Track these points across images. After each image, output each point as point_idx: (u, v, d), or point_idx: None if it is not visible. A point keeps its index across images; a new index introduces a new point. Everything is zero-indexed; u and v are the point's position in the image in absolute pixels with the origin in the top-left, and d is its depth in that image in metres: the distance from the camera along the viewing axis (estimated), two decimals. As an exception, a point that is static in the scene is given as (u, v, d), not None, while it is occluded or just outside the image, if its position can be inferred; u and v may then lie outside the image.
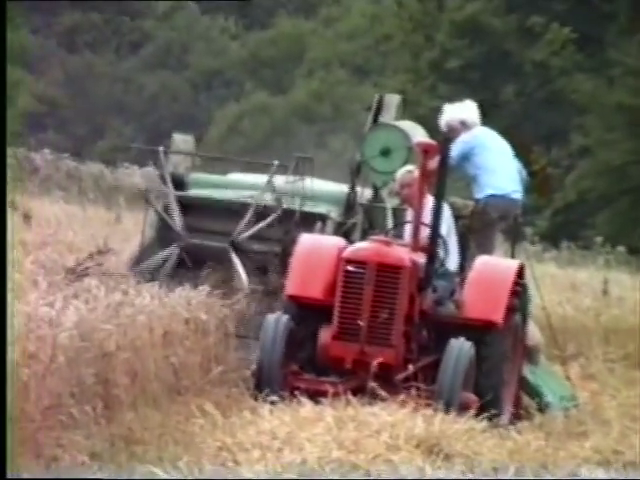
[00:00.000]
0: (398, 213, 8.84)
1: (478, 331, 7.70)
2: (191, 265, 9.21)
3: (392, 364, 7.64)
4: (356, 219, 9.31)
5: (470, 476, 6.12)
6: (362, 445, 6.21)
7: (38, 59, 36.50)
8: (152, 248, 9.44)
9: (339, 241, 8.19)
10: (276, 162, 9.34)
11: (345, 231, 9.20)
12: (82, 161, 22.88)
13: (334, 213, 9.36)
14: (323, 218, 9.27)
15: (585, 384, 10.31)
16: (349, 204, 9.46)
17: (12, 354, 5.48)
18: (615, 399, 9.58)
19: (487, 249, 8.58)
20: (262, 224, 9.21)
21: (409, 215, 8.46)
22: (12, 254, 10.04)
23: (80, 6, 37.20)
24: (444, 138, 8.17)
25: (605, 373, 11.26)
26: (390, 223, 8.78)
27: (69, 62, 36.85)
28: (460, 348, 7.50)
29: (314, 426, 6.47)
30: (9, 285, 7.11)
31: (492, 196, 8.66)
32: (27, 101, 34.90)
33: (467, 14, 29.11)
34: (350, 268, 7.74)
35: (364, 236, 8.83)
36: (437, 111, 9.14)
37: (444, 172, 8.00)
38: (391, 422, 6.59)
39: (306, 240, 8.19)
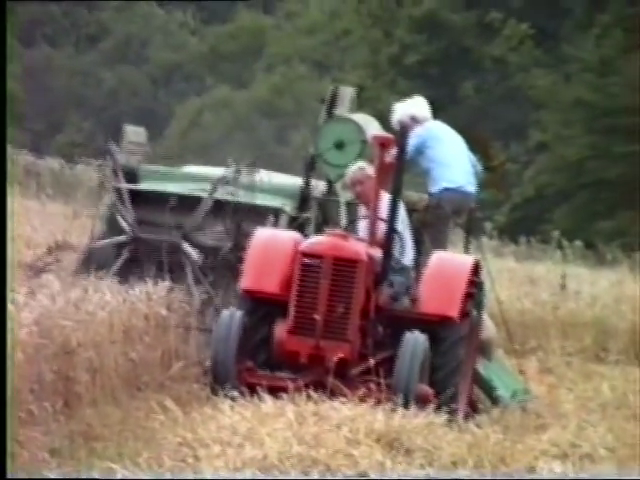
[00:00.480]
0: (352, 207, 8.75)
1: (434, 326, 7.68)
2: (142, 259, 9.06)
3: (348, 359, 7.58)
4: (310, 213, 9.22)
5: (429, 470, 6.17)
6: (322, 440, 6.23)
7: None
8: (101, 245, 9.22)
9: (295, 235, 8.08)
10: (230, 161, 9.21)
11: (299, 225, 9.10)
12: (40, 156, 22.71)
13: (288, 207, 9.25)
14: (277, 212, 9.16)
15: (543, 377, 10.39)
16: (303, 198, 9.36)
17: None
18: (572, 392, 9.67)
19: (441, 244, 8.57)
20: (201, 213, 8.95)
21: (362, 211, 8.39)
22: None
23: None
24: (401, 131, 8.11)
25: (562, 366, 11.36)
26: (344, 217, 8.70)
27: (27, 56, 36.54)
28: (415, 341, 7.49)
29: (275, 421, 6.47)
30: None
31: (446, 190, 8.65)
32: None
33: (425, 9, 29.20)
34: (307, 261, 7.65)
35: (318, 230, 8.76)
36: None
37: (401, 166, 7.95)
38: (351, 416, 6.61)
39: (261, 234, 8.07)
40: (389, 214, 7.92)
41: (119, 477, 5.53)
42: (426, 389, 7.45)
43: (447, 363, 7.65)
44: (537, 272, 16.26)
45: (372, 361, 7.56)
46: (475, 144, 9.22)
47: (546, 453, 6.84)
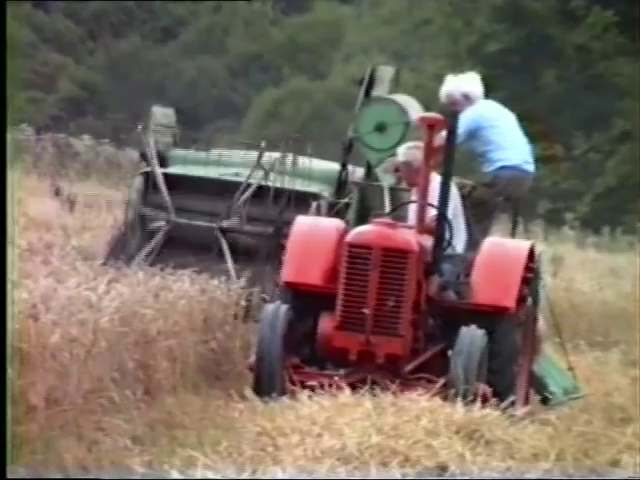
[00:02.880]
0: (395, 192, 8.31)
1: (488, 317, 7.23)
2: (176, 246, 8.75)
3: (400, 355, 7.20)
4: (349, 199, 8.82)
5: (510, 462, 6.09)
6: (401, 430, 6.19)
7: (79, 44, 36.65)
8: (133, 230, 8.97)
9: (338, 223, 7.67)
10: (263, 143, 8.88)
11: (337, 211, 8.76)
12: (121, 147, 23.00)
13: (326, 192, 8.91)
14: (315, 198, 8.78)
15: (626, 370, 10.22)
16: (341, 183, 8.99)
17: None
18: (656, 385, 9.49)
19: (485, 227, 8.07)
20: (243, 199, 8.64)
21: (413, 195, 7.84)
22: (53, 238, 10.09)
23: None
24: (451, 112, 7.60)
25: (646, 359, 11.16)
26: (387, 203, 8.23)
27: (108, 48, 36.97)
28: (472, 337, 7.06)
29: (353, 411, 6.45)
30: (50, 269, 7.16)
31: (503, 167, 8.15)
32: (68, 86, 35.11)
33: (507, -2, 28.91)
34: (354, 252, 7.21)
35: (359, 217, 8.38)
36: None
37: (452, 148, 7.40)
38: (430, 408, 6.55)
39: (302, 223, 7.62)
40: (440, 199, 7.44)
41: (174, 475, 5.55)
42: (484, 388, 7.04)
43: (502, 354, 7.22)
44: (619, 263, 16.02)
45: (423, 357, 7.21)
46: (533, 134, 8.87)
47: (630, 447, 6.72)
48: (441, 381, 7.03)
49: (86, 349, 6.35)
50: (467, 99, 8.19)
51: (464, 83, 8.28)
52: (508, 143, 8.28)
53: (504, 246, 7.61)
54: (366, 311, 7.16)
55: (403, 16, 34.15)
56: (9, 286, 5.93)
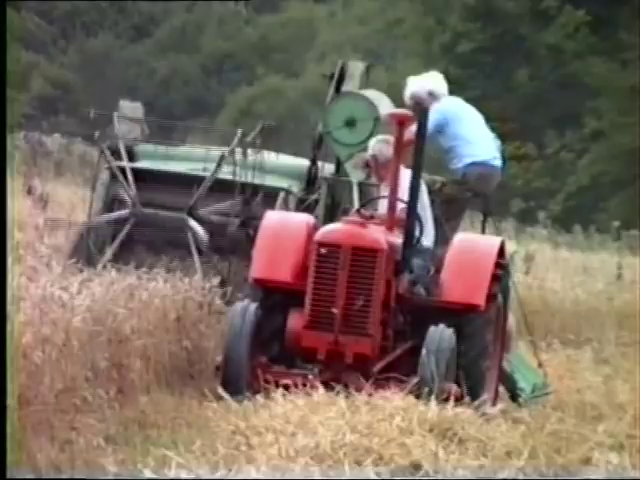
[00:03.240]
0: (364, 188, 8.22)
1: (458, 315, 7.16)
2: (142, 238, 8.63)
3: (368, 355, 7.12)
4: (318, 194, 8.71)
5: (483, 460, 6.12)
6: (375, 429, 6.20)
7: (51, 43, 36.47)
8: (99, 225, 8.79)
9: (308, 218, 7.55)
10: (239, 131, 8.77)
11: (306, 207, 8.63)
12: (94, 144, 22.82)
13: (295, 188, 8.77)
14: (284, 193, 8.64)
15: (598, 368, 10.28)
16: (310, 178, 8.86)
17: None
18: (628, 383, 9.55)
19: (455, 223, 8.05)
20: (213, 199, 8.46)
21: (382, 190, 7.75)
22: (25, 237, 10.05)
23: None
24: (420, 107, 7.54)
25: (618, 357, 11.23)
26: (356, 198, 8.13)
27: (80, 46, 36.81)
28: (441, 336, 6.98)
29: (327, 410, 6.45)
30: (21, 269, 7.12)
31: (472, 164, 8.15)
32: (40, 84, 34.93)
33: (480, -3, 29.00)
34: (323, 251, 7.11)
35: (328, 212, 8.31)
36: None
37: (422, 144, 7.32)
38: (404, 406, 6.57)
39: (271, 217, 7.51)
40: (410, 194, 7.33)
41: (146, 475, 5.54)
42: (450, 386, 6.97)
43: (472, 352, 7.17)
44: (591, 262, 16.10)
45: (392, 356, 7.13)
46: (501, 124, 8.79)
47: (602, 444, 6.76)
48: (411, 380, 7.00)
49: (58, 348, 6.32)
50: (432, 96, 8.08)
51: (428, 81, 8.20)
52: (475, 138, 8.26)
53: (474, 242, 7.54)
54: (335, 311, 7.09)
55: (376, 15, 34.19)
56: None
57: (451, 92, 8.72)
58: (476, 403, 6.97)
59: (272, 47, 37.41)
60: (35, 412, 6.04)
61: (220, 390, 6.92)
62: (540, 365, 8.70)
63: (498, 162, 8.35)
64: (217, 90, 36.23)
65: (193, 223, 8.64)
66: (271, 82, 35.19)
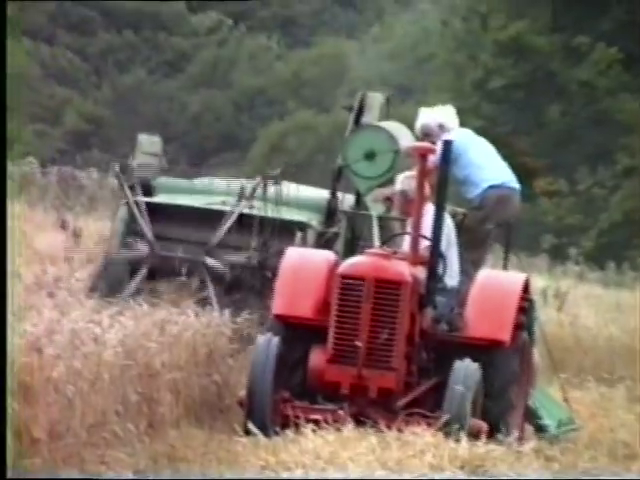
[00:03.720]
0: (384, 222, 8.13)
1: (483, 351, 7.10)
2: (160, 277, 8.53)
3: (393, 389, 7.05)
4: (338, 228, 8.62)
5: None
6: (406, 465, 6.16)
7: (84, 78, 36.84)
8: (118, 261, 8.69)
9: (329, 255, 7.55)
10: (259, 177, 8.59)
11: (326, 241, 8.55)
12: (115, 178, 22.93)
13: (314, 221, 8.70)
14: (303, 227, 8.55)
15: (632, 406, 10.18)
16: (330, 212, 8.77)
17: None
18: (661, 422, 9.44)
19: (479, 255, 7.93)
20: (225, 228, 8.38)
21: (408, 225, 7.69)
22: (58, 271, 10.09)
23: (114, 25, 37.53)
24: (430, 139, 7.57)
25: (651, 395, 11.11)
26: (376, 232, 8.00)
27: (114, 82, 37.16)
28: (466, 370, 6.94)
29: (357, 446, 6.42)
30: (54, 302, 7.15)
31: (489, 188, 8.01)
32: (74, 120, 35.25)
33: (511, 33, 29.05)
34: (346, 284, 7.08)
35: (348, 246, 8.23)
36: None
37: (446, 177, 7.27)
38: (434, 443, 6.53)
39: (292, 254, 7.51)
40: (433, 229, 7.29)
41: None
42: (479, 423, 6.91)
43: (498, 391, 7.09)
44: (624, 299, 15.98)
45: (417, 391, 7.06)
46: (526, 173, 8.62)
47: (635, 483, 6.67)
48: (437, 416, 6.91)
49: (90, 382, 6.33)
50: (442, 130, 8.11)
51: (439, 114, 8.22)
52: (488, 163, 8.16)
53: (499, 278, 7.53)
54: (359, 344, 7.02)
55: (407, 51, 34.29)
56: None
57: (482, 128, 8.65)
58: (508, 440, 6.91)
59: (303, 82, 37.61)
60: (66, 446, 6.04)
61: (250, 425, 6.90)
62: (566, 400, 8.60)
63: (515, 184, 8.23)
64: (249, 125, 36.41)
65: (211, 263, 8.57)
66: (302, 117, 35.34)
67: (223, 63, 38.67)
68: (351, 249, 8.18)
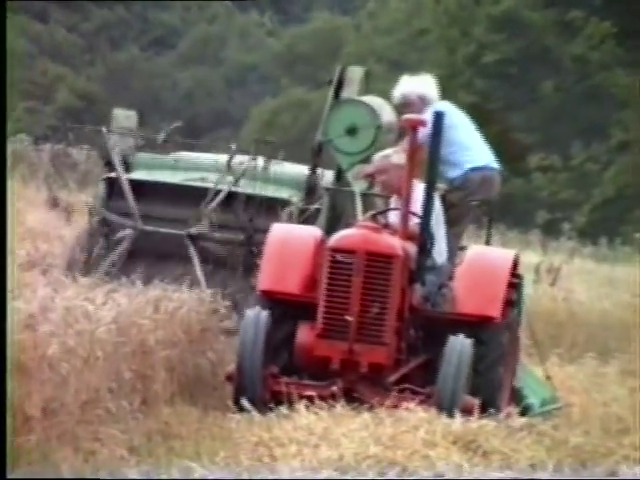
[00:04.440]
0: (367, 198, 7.94)
1: (473, 328, 6.99)
2: (142, 254, 8.33)
3: (384, 364, 6.95)
4: (319, 204, 8.45)
5: (508, 473, 6.09)
6: (399, 441, 6.18)
7: (77, 55, 36.72)
8: (95, 238, 8.52)
9: (315, 230, 7.45)
10: (233, 145, 8.43)
11: (306, 218, 8.36)
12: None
13: (295, 198, 8.43)
14: (285, 203, 8.37)
15: (625, 380, 10.22)
16: (310, 188, 8.56)
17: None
18: (655, 396, 9.48)
19: (461, 232, 7.81)
20: (213, 205, 8.20)
21: (393, 201, 7.57)
22: (51, 248, 10.07)
23: (105, 2, 37.38)
24: (436, 111, 7.29)
25: (644, 369, 11.15)
26: (359, 209, 7.84)
27: (106, 58, 37.04)
28: (461, 346, 6.83)
29: (351, 422, 6.45)
30: (48, 279, 7.15)
31: (472, 170, 7.85)
32: (66, 97, 35.17)
33: (504, 8, 28.99)
34: (337, 257, 6.94)
35: (329, 223, 8.11)
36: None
37: (437, 151, 7.12)
38: (427, 418, 6.55)
39: (278, 230, 7.40)
40: (424, 205, 7.18)
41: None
42: (471, 400, 6.83)
43: (487, 365, 7.02)
44: (617, 274, 16.02)
45: (408, 367, 6.98)
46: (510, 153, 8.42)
47: (628, 457, 6.71)
48: (429, 392, 6.88)
49: (83, 360, 6.34)
50: (423, 101, 7.88)
51: (421, 85, 7.97)
52: (472, 143, 7.99)
53: (488, 254, 7.44)
54: (349, 318, 6.92)
55: (401, 26, 34.22)
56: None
57: (475, 103, 8.50)
58: (501, 416, 6.93)
59: (297, 58, 37.51)
60: (60, 423, 6.06)
61: (244, 402, 6.91)
62: (548, 378, 8.51)
63: (496, 165, 8.07)
64: (241, 102, 36.34)
65: (192, 252, 8.36)
66: (295, 94, 35.26)
67: (214, 40, 38.55)
68: (332, 226, 8.06)
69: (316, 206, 8.52)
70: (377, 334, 7.00)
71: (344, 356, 6.97)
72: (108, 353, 6.59)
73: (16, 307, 6.01)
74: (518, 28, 28.69)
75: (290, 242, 7.30)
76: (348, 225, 7.51)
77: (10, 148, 19.29)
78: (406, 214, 7.33)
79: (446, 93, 8.30)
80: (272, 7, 39.24)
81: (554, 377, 8.79)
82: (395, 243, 7.15)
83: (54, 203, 14.12)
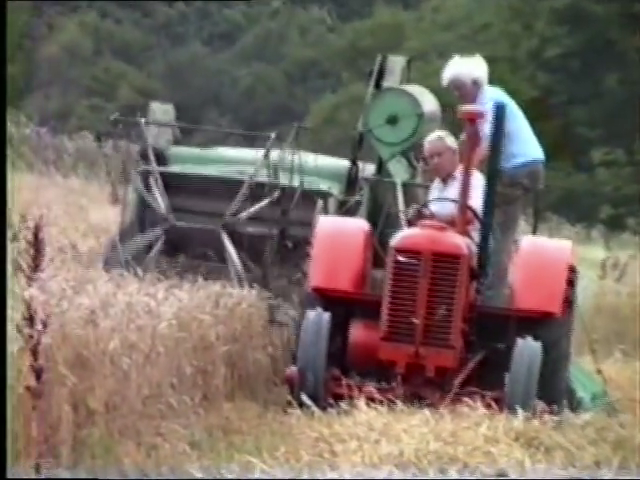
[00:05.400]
0: (409, 189, 7.83)
1: (532, 324, 6.81)
2: (177, 251, 8.20)
3: (450, 367, 6.83)
4: (359, 196, 8.29)
5: (572, 471, 6.02)
6: (460, 437, 6.13)
7: (139, 52, 37.04)
8: (132, 233, 8.38)
9: (363, 224, 7.28)
10: (273, 134, 8.28)
11: (347, 209, 8.19)
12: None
13: (335, 190, 8.31)
14: (324, 196, 8.17)
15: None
16: (350, 180, 8.40)
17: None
18: None
19: (512, 228, 7.55)
20: (258, 205, 8.04)
21: (436, 189, 7.37)
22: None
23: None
24: (497, 103, 7.11)
25: None
26: (400, 200, 7.69)
27: (166, 55, 37.30)
28: (531, 351, 6.65)
29: (411, 418, 6.41)
30: (110, 275, 7.20)
31: (523, 165, 7.59)
32: (128, 93, 35.47)
33: (567, 1, 28.67)
34: (402, 259, 6.80)
35: (370, 215, 7.90)
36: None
37: (499, 142, 6.98)
38: (489, 415, 6.49)
39: (326, 223, 7.24)
40: (485, 200, 6.98)
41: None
42: (543, 406, 6.64)
43: (551, 365, 6.83)
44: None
45: (470, 368, 6.79)
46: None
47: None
48: (497, 396, 6.71)
49: (145, 355, 6.39)
50: (476, 85, 7.60)
51: (474, 67, 7.66)
52: (521, 134, 7.76)
53: (545, 246, 7.20)
54: (416, 321, 6.78)
55: (463, 21, 34.00)
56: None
57: (538, 98, 8.26)
58: (562, 413, 6.83)
59: (358, 54, 37.44)
60: (122, 417, 6.10)
61: (304, 397, 6.89)
62: (599, 372, 8.27)
63: (541, 155, 7.81)
64: (302, 98, 36.36)
65: (227, 242, 8.15)
66: (355, 89, 35.18)
67: (275, 36, 38.63)
68: (373, 218, 7.88)
69: (357, 198, 8.32)
70: (444, 337, 6.87)
71: (410, 360, 6.85)
72: (169, 348, 6.63)
73: (78, 302, 6.06)
74: (581, 21, 28.37)
75: (339, 236, 7.14)
76: (389, 216, 7.38)
77: (74, 145, 19.49)
78: (464, 206, 7.13)
79: (508, 87, 8.16)
80: (333, 2, 39.24)
81: (618, 374, 8.66)
82: (461, 242, 6.98)
83: (115, 199, 14.25)
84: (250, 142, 9.34)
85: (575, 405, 7.81)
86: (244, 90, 36.75)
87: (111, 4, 36.29)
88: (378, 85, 8.53)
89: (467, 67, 7.69)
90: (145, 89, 36.03)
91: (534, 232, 7.80)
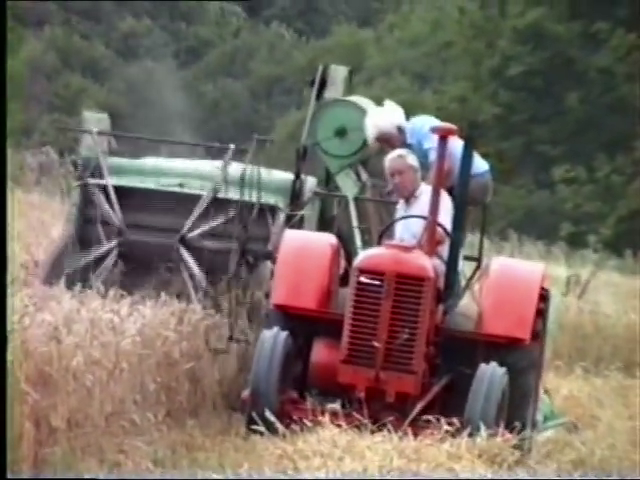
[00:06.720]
0: (361, 203, 7.67)
1: (500, 350, 6.60)
2: (130, 266, 7.98)
3: (411, 393, 6.60)
4: (307, 210, 8.08)
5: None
6: (423, 454, 6.16)
7: (101, 67, 36.95)
8: (72, 248, 8.10)
9: (331, 239, 7.01)
10: (232, 146, 8.14)
11: (292, 225, 7.96)
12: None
13: (282, 204, 8.05)
14: (273, 210, 8.00)
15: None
16: (295, 193, 8.15)
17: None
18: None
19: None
20: (218, 220, 7.84)
21: (400, 208, 7.14)
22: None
23: (133, 13, 37.55)
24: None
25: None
26: (353, 214, 7.54)
27: (129, 70, 37.24)
28: (492, 376, 6.45)
29: (374, 435, 6.42)
30: (73, 291, 7.16)
31: (472, 177, 7.30)
32: (89, 109, 35.27)
33: (529, 20, 28.92)
34: (364, 280, 6.57)
35: (319, 229, 7.75)
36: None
37: (470, 161, 6.86)
38: (452, 431, 6.51)
39: (292, 238, 6.97)
40: (454, 222, 6.79)
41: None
42: (502, 432, 6.36)
43: (518, 393, 6.61)
44: (643, 286, 15.92)
45: (432, 394, 6.60)
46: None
47: (654, 471, 6.66)
48: (455, 423, 6.49)
49: (108, 371, 6.36)
50: (400, 131, 7.58)
51: (393, 115, 7.63)
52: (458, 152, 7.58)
53: (515, 269, 6.98)
54: (377, 344, 6.54)
55: (425, 39, 34.19)
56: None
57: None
58: (528, 432, 6.81)
59: (320, 71, 37.52)
60: (84, 434, 6.07)
61: (267, 413, 6.81)
62: (547, 392, 8.14)
63: (485, 166, 7.74)
64: (266, 114, 36.41)
65: (186, 256, 7.98)
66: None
67: (240, 52, 38.67)
68: (322, 232, 7.65)
69: (302, 212, 8.14)
70: (406, 362, 6.65)
71: (370, 384, 6.63)
72: (133, 365, 6.61)
73: (41, 319, 6.03)
74: (543, 40, 28.62)
75: (305, 251, 6.89)
76: (340, 231, 7.18)
77: (37, 161, 19.35)
78: (433, 226, 6.89)
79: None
80: (298, 19, 39.33)
81: (580, 390, 8.73)
82: (426, 264, 6.73)
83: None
84: (214, 155, 9.22)
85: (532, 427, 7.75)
86: (208, 105, 36.74)
87: (70, 17, 36.14)
88: (319, 96, 8.31)
89: (387, 118, 7.62)
90: (107, 104, 35.93)
91: (480, 245, 7.56)
